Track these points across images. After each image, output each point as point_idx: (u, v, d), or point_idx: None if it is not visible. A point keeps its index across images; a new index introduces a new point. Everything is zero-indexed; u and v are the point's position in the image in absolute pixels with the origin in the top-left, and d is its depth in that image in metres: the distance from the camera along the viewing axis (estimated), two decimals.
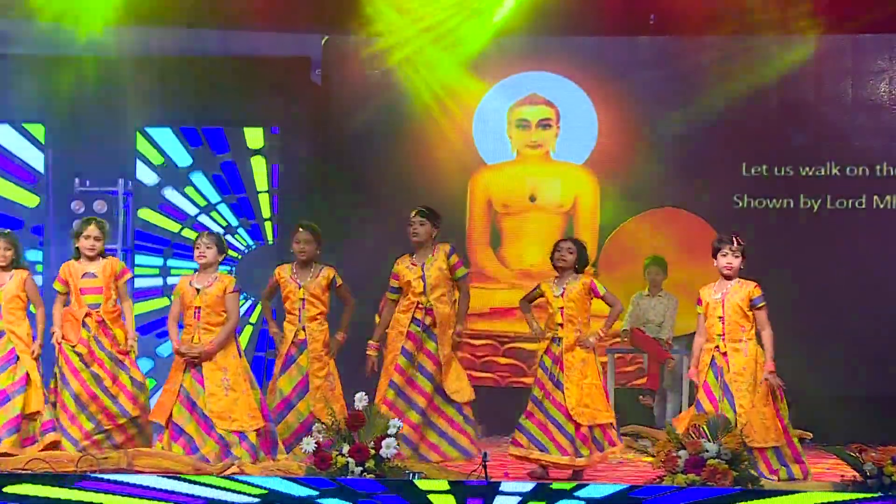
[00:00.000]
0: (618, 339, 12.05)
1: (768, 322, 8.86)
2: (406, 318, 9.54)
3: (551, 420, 8.99)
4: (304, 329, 9.48)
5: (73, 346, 9.47)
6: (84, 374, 9.45)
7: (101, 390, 9.43)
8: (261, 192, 13.41)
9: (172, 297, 9.60)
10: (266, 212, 13.40)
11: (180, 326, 9.35)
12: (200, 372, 8.99)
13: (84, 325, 9.52)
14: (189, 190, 13.43)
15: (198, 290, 9.19)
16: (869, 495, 7.10)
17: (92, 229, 9.64)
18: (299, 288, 9.52)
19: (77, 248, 9.67)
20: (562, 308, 9.10)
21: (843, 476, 7.54)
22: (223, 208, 13.44)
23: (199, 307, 9.15)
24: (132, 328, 9.67)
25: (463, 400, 9.51)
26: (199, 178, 13.45)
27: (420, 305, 9.52)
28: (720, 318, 8.87)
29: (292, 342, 9.50)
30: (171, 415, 9.06)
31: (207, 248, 9.24)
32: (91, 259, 9.64)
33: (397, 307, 9.63)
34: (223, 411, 8.89)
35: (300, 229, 9.65)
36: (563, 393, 8.97)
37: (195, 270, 9.35)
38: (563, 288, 9.14)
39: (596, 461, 9.06)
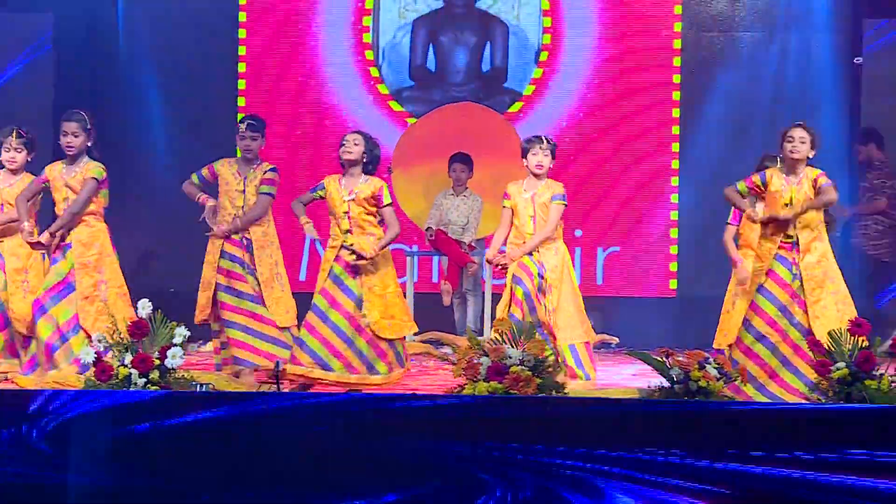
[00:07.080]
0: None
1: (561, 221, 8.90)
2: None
3: (339, 334, 8.42)
4: None
5: None
6: None
7: None
8: None
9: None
10: None
11: None
12: None
13: None
14: None
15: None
16: (675, 401, 6.88)
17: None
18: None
19: None
20: (347, 213, 8.49)
21: (649, 383, 7.30)
22: None
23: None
24: None
25: None
26: None
27: None
28: (531, 217, 8.81)
29: None
30: None
31: None
32: None
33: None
34: None
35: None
36: (360, 306, 8.43)
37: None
38: (352, 190, 8.53)
39: (396, 378, 8.62)
